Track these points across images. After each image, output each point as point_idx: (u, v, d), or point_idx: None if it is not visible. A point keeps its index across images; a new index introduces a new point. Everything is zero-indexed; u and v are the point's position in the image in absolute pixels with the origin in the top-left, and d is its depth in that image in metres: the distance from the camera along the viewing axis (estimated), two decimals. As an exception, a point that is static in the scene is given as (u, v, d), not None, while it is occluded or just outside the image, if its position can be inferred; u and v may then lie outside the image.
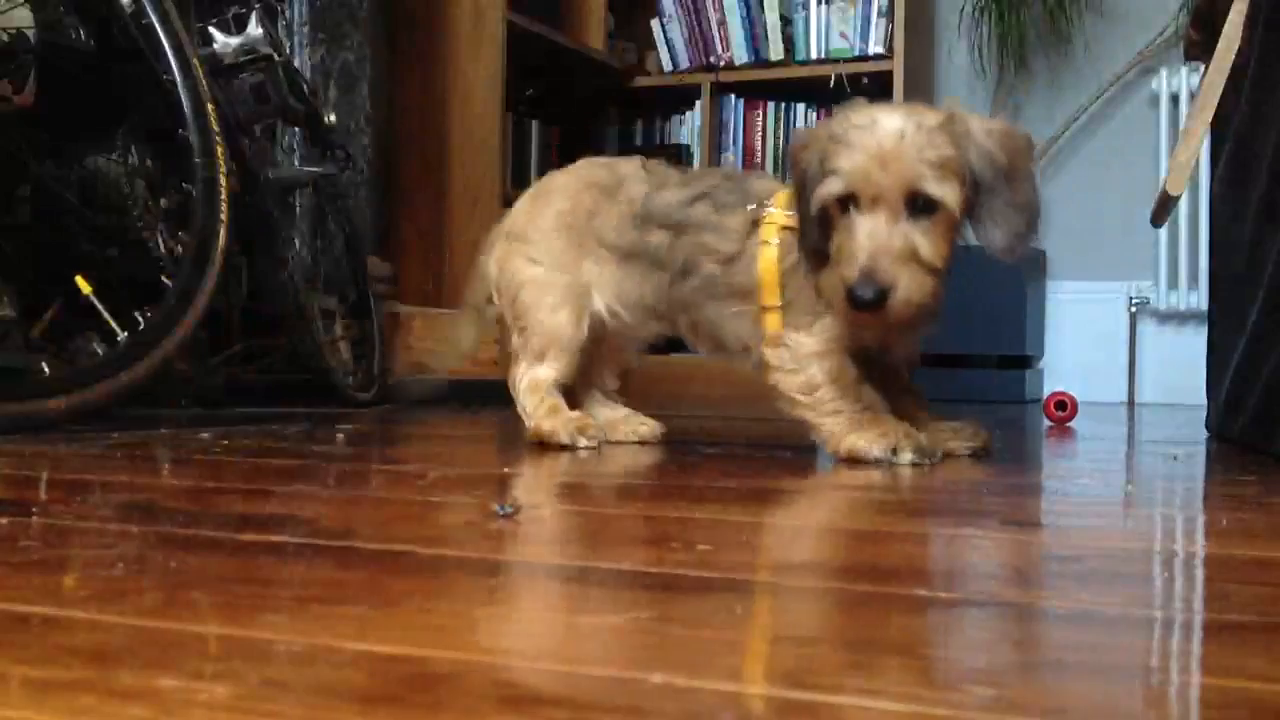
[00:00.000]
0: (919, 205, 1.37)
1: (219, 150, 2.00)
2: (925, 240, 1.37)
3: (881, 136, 1.38)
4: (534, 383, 1.69)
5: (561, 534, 0.87)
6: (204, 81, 2.04)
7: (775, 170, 4.65)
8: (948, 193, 1.37)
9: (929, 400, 1.69)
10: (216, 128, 2.02)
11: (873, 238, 1.36)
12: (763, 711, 0.43)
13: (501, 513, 1.00)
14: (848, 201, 1.39)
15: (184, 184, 2.15)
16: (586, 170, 1.79)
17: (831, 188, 1.40)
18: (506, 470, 1.34)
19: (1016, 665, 0.51)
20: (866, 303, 1.35)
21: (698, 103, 4.65)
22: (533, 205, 1.77)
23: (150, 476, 1.21)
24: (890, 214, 1.37)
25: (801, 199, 1.47)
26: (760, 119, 4.62)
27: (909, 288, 1.36)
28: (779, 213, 1.58)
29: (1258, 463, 1.62)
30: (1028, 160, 1.44)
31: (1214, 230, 2.28)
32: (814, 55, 4.46)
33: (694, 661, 0.51)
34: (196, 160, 1.97)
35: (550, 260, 1.72)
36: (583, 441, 1.62)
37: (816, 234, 1.45)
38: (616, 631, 0.55)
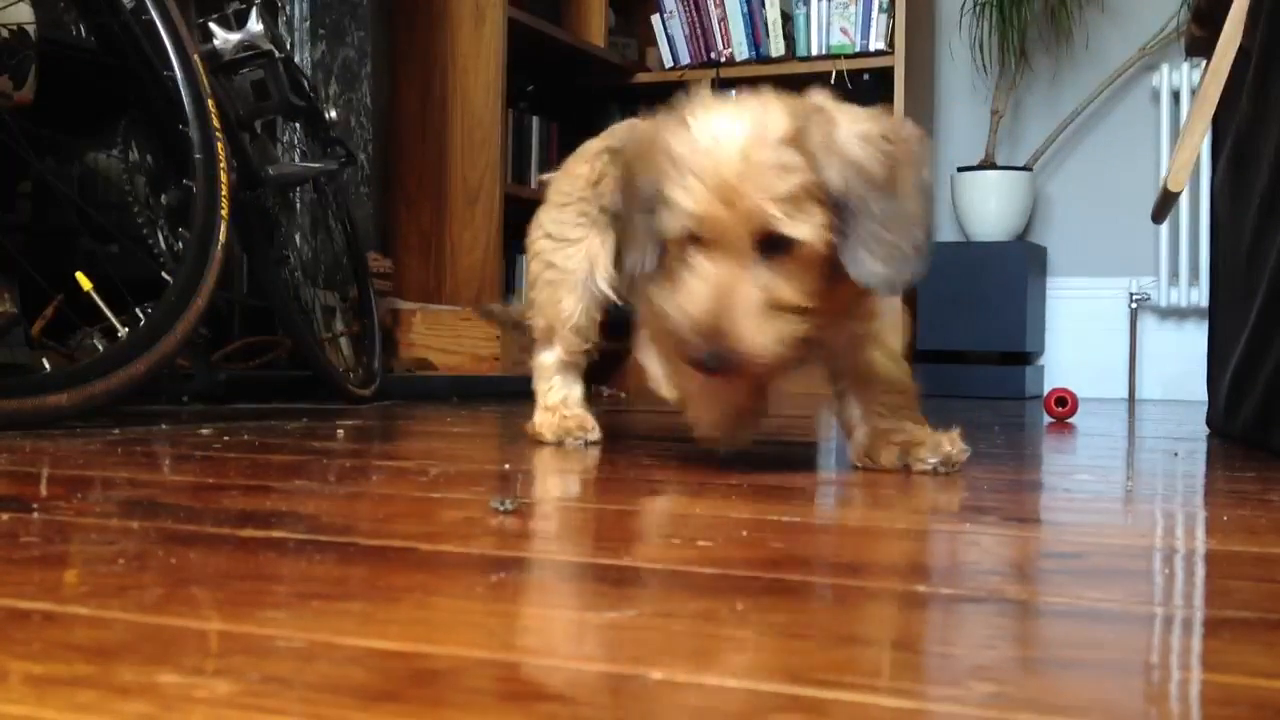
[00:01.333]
0: (773, 245, 1.16)
1: (219, 147, 2.00)
2: (782, 283, 1.17)
3: (724, 162, 1.18)
4: (541, 367, 1.65)
5: (561, 530, 0.87)
6: (204, 78, 2.04)
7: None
8: (804, 229, 1.16)
9: (930, 398, 1.68)
10: (217, 124, 2.01)
11: (718, 292, 1.16)
12: (762, 707, 0.44)
13: (501, 509, 1.01)
14: (692, 240, 1.19)
15: (184, 180, 2.15)
16: (617, 133, 1.64)
17: (672, 225, 1.20)
18: (507, 466, 1.34)
19: (1017, 661, 0.51)
20: (712, 370, 1.17)
21: (698, 99, 4.65)
22: (560, 171, 1.69)
23: (151, 472, 1.21)
24: (741, 258, 1.16)
25: (629, 216, 1.30)
26: (761, 115, 4.62)
27: (761, 343, 1.15)
28: None
29: (1258, 459, 1.62)
30: (912, 168, 1.22)
31: (1215, 226, 2.28)
32: (815, 51, 4.46)
33: (694, 658, 0.51)
34: (197, 157, 1.97)
35: (558, 231, 1.63)
36: (569, 441, 1.60)
37: (653, 259, 1.26)
38: (617, 627, 0.55)
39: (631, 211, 1.29)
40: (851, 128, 1.21)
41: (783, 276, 1.17)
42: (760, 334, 1.15)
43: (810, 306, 1.18)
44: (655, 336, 1.28)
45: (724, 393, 1.31)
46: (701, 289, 1.17)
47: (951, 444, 1.33)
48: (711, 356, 1.15)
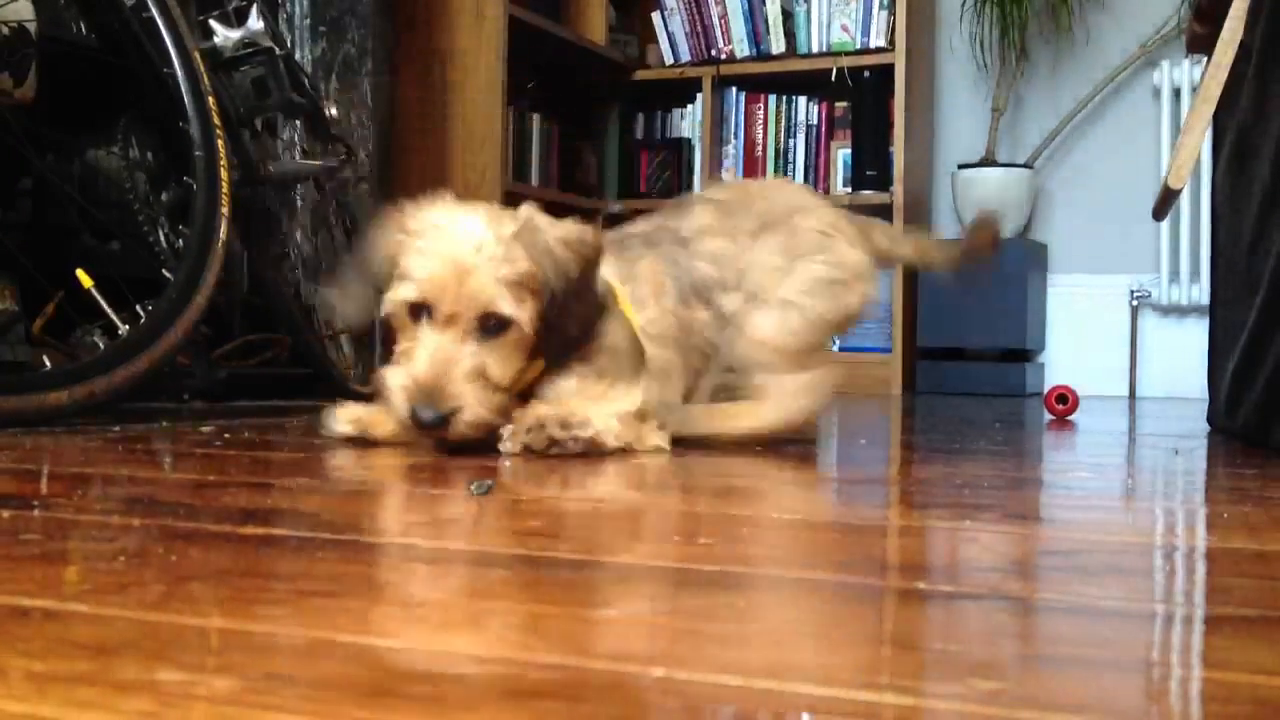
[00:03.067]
0: (491, 325, 1.36)
1: (220, 144, 2.00)
2: (495, 360, 1.37)
3: (458, 245, 1.35)
4: None
5: (562, 528, 0.87)
6: (205, 75, 2.04)
7: (775, 160, 4.65)
8: (521, 313, 1.36)
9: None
10: (217, 121, 2.01)
11: (441, 359, 1.34)
12: (762, 705, 0.44)
13: (476, 492, 1.01)
14: (419, 309, 1.36)
15: (185, 178, 2.15)
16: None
17: (405, 294, 1.36)
18: (507, 463, 1.34)
19: (1017, 659, 0.51)
20: (428, 424, 1.33)
21: (699, 96, 4.64)
22: None
23: (151, 470, 1.21)
24: (461, 332, 1.35)
25: (368, 289, 1.46)
26: (761, 112, 4.62)
27: (474, 408, 1.34)
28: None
29: (1259, 456, 1.62)
30: (593, 270, 1.45)
31: (1215, 224, 2.28)
32: (815, 48, 4.46)
33: (695, 655, 0.51)
34: (197, 154, 1.97)
35: None
36: None
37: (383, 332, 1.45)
38: (617, 625, 0.56)
39: (356, 274, 1.47)
40: (555, 233, 1.43)
41: (495, 354, 1.37)
42: (475, 401, 1.34)
43: (509, 387, 1.39)
44: (387, 388, 1.38)
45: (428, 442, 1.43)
46: (425, 355, 1.34)
47: (606, 423, 1.42)
48: (432, 412, 1.32)
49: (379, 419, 1.52)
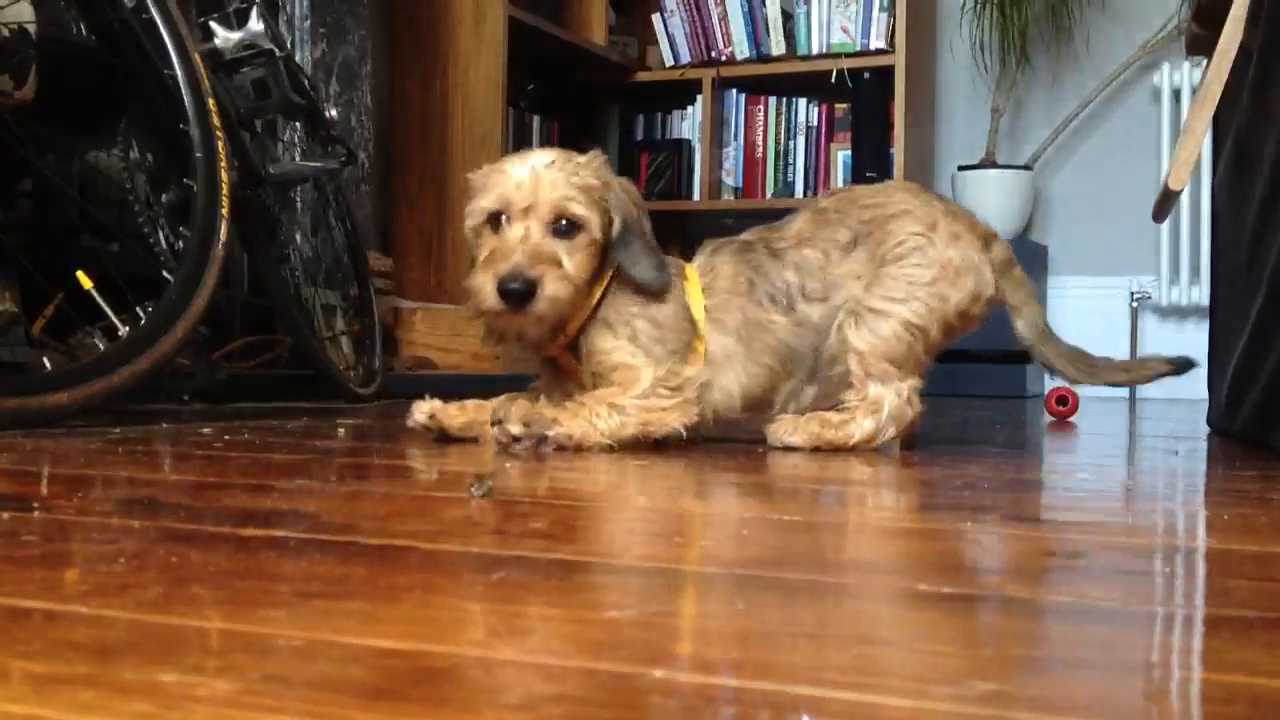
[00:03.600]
0: (564, 226, 1.52)
1: (220, 145, 2.00)
2: (568, 254, 1.52)
3: (533, 162, 1.54)
4: None
5: (562, 529, 0.87)
6: (205, 77, 2.04)
7: (775, 162, 4.65)
8: (592, 216, 1.53)
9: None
10: (217, 123, 2.01)
11: (522, 241, 1.50)
12: (764, 706, 0.44)
13: (477, 494, 1.01)
14: (498, 217, 1.52)
15: (185, 179, 2.15)
16: None
17: (484, 203, 1.53)
18: (508, 465, 1.34)
19: (1017, 660, 0.51)
20: (515, 294, 1.46)
21: (699, 97, 4.65)
22: None
23: (151, 471, 1.21)
24: (538, 225, 1.51)
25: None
26: (761, 114, 4.62)
27: (554, 287, 1.48)
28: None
29: (1259, 457, 1.62)
30: (646, 219, 1.63)
31: (1215, 225, 2.28)
32: (815, 50, 4.46)
33: (695, 656, 0.51)
34: (197, 155, 1.97)
35: None
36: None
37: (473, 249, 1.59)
38: (617, 625, 0.56)
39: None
40: (616, 180, 1.60)
41: (569, 251, 1.52)
42: (556, 281, 1.48)
43: (580, 285, 1.52)
44: (471, 287, 1.53)
45: (509, 330, 1.59)
46: (507, 245, 1.50)
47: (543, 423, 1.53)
48: (520, 282, 1.46)
49: (453, 412, 1.68)
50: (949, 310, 1.62)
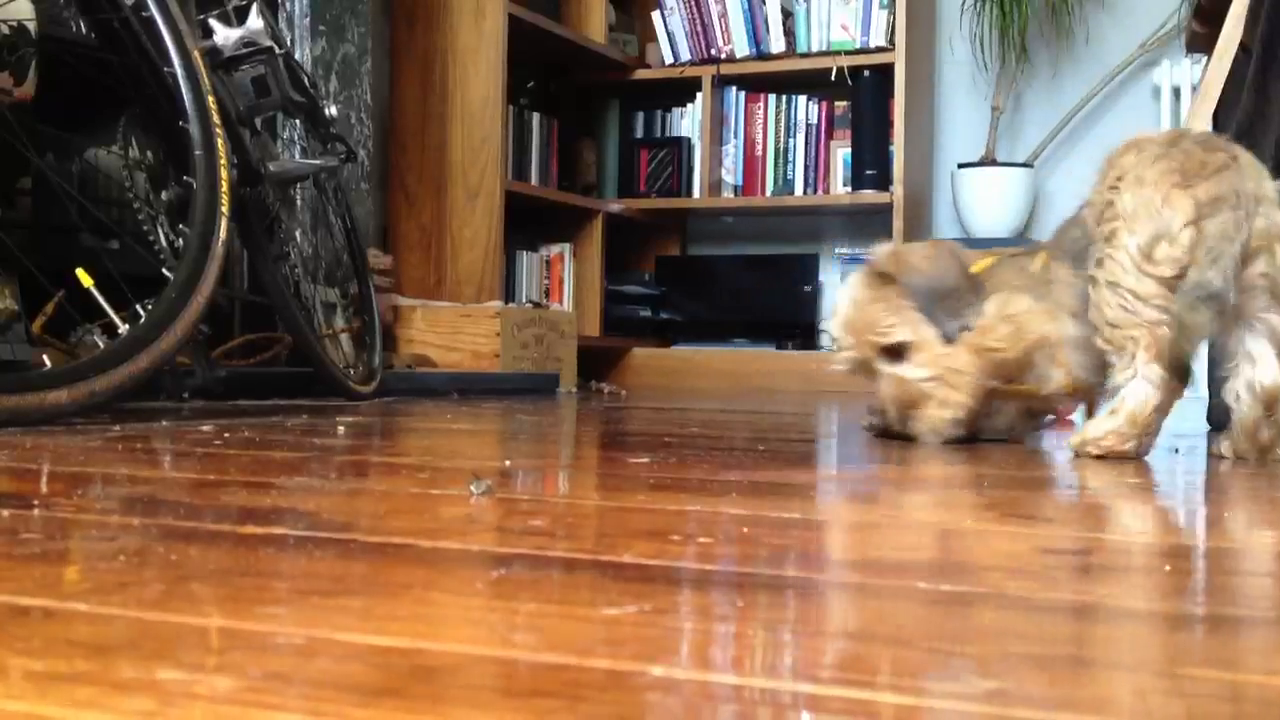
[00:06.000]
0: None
1: (220, 143, 2.00)
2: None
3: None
4: None
5: (562, 527, 0.87)
6: (205, 74, 2.04)
7: (774, 159, 4.64)
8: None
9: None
10: (217, 120, 2.01)
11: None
12: (762, 704, 0.44)
13: (476, 492, 1.01)
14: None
15: (185, 177, 2.15)
16: None
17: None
18: (508, 463, 1.34)
19: (1017, 658, 0.51)
20: None
21: (699, 95, 4.65)
22: None
23: (151, 469, 1.21)
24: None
25: None
26: (761, 111, 4.62)
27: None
28: None
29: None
30: None
31: (1215, 223, 2.27)
32: (815, 48, 4.46)
33: (695, 654, 0.51)
34: (197, 153, 1.97)
35: None
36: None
37: None
38: (617, 623, 0.56)
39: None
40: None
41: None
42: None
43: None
44: None
45: None
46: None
47: None
48: None
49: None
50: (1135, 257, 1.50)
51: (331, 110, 2.79)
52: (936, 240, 1.67)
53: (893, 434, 1.74)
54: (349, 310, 3.02)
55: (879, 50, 4.34)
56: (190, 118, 1.98)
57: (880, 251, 1.72)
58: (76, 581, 0.63)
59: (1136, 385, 1.49)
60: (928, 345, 1.65)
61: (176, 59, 2.01)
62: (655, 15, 4.72)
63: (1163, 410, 1.51)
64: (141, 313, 1.90)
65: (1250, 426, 1.49)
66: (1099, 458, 1.50)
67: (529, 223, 4.30)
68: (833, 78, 4.37)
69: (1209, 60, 1.85)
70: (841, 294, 1.70)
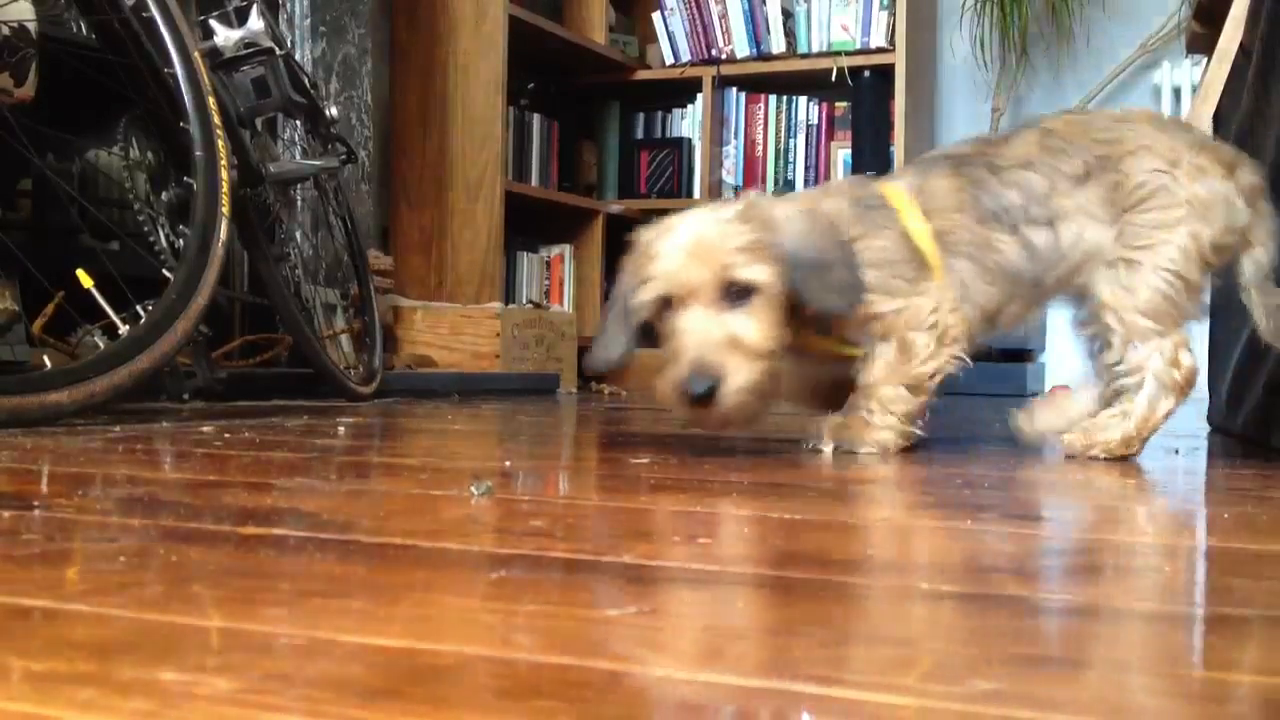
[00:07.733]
0: (735, 293, 1.40)
1: (220, 144, 2.00)
2: (748, 326, 1.39)
3: (683, 235, 1.42)
4: None
5: (562, 527, 0.87)
6: (205, 75, 2.04)
7: (775, 160, 4.64)
8: (761, 275, 1.40)
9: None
10: (218, 121, 2.01)
11: (694, 332, 1.38)
12: (762, 704, 0.44)
13: (477, 493, 1.01)
14: (667, 303, 1.42)
15: (185, 178, 2.15)
16: None
17: (650, 292, 1.42)
18: (508, 464, 1.34)
19: (1016, 658, 0.51)
20: (698, 397, 1.36)
21: (699, 96, 4.65)
22: None
23: (151, 470, 1.21)
24: (711, 308, 1.39)
25: (624, 316, 1.50)
26: (761, 112, 4.62)
27: (738, 375, 1.36)
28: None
29: (1259, 456, 1.62)
30: (837, 234, 1.47)
31: (1216, 224, 2.27)
32: (815, 48, 4.46)
33: (695, 654, 0.51)
34: (197, 154, 1.97)
35: None
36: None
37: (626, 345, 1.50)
38: (616, 624, 0.56)
39: (613, 307, 1.52)
40: (779, 207, 1.47)
41: (748, 321, 1.39)
42: (736, 368, 1.37)
43: (770, 351, 1.40)
44: (659, 390, 1.43)
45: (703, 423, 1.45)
46: (683, 339, 1.38)
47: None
48: (698, 386, 1.35)
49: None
50: (1204, 248, 1.49)
51: (332, 111, 2.79)
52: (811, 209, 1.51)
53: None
54: (349, 311, 3.02)
55: (879, 51, 4.34)
56: (190, 118, 1.99)
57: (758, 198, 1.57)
58: (77, 582, 0.63)
59: (1151, 390, 1.50)
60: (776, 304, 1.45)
61: (177, 60, 2.01)
62: (655, 16, 4.72)
63: (1170, 414, 1.52)
64: (141, 314, 1.90)
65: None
66: (1094, 458, 1.51)
67: (529, 224, 4.30)
68: (833, 78, 4.37)
69: (1209, 61, 1.85)
70: (701, 215, 1.48)
